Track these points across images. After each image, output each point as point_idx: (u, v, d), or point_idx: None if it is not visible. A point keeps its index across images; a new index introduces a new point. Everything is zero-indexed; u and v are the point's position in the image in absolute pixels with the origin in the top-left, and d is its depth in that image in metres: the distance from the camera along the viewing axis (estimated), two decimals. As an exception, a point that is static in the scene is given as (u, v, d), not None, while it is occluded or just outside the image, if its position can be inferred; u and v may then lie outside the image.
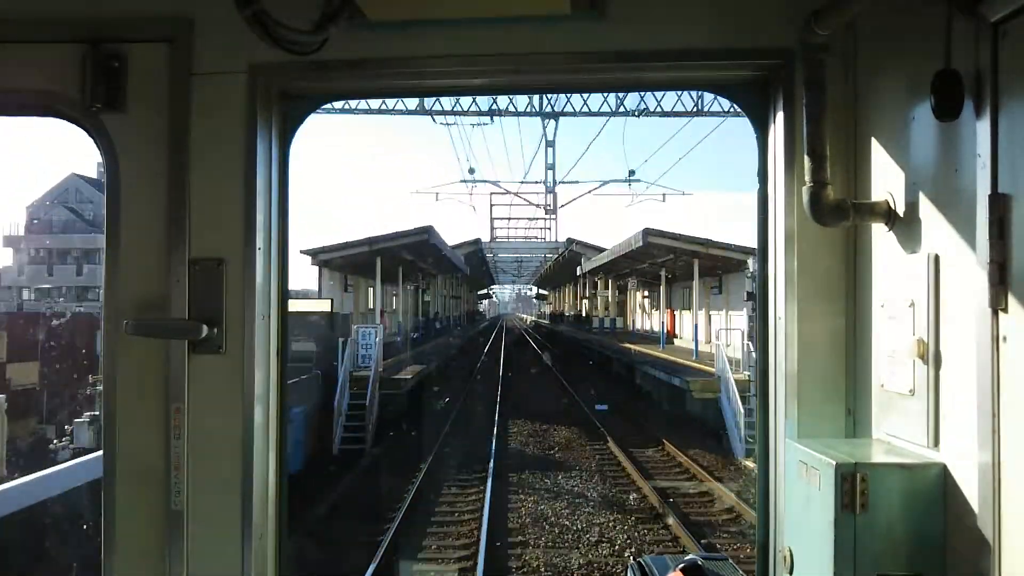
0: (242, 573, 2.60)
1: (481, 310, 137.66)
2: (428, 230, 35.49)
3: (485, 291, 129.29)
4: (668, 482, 17.95)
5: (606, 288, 61.08)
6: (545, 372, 42.12)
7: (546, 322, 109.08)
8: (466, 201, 59.62)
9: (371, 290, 43.79)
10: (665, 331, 42.95)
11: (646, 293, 57.76)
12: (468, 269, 64.41)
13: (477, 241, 63.56)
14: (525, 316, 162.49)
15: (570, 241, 61.90)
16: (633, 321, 61.70)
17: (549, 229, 70.26)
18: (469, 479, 18.06)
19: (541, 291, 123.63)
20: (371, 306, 44.79)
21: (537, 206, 42.86)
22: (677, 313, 47.84)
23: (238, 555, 2.60)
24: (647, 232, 33.74)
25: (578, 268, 60.60)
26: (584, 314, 69.72)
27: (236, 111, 2.64)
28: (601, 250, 53.26)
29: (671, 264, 39.19)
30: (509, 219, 68.75)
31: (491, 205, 68.10)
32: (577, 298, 78.99)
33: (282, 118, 2.79)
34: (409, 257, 38.91)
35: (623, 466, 19.32)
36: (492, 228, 67.59)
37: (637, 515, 15.18)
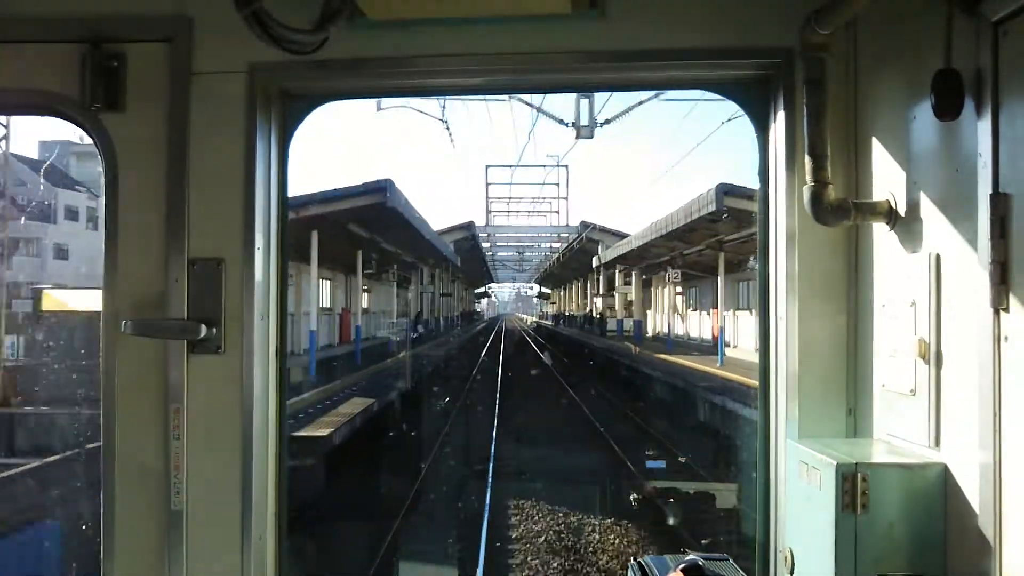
0: (242, 573, 2.60)
1: (479, 310, 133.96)
2: (385, 187, 24.07)
3: (483, 289, 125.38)
4: None
5: (627, 283, 49.35)
6: (559, 396, 28.95)
7: (548, 323, 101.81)
8: (435, 114, 33.22)
9: (324, 282, 33.28)
10: (713, 337, 33.79)
11: (679, 289, 45.88)
12: (458, 259, 52.54)
13: (469, 225, 51.08)
14: (525, 316, 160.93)
15: (585, 225, 50.89)
16: (671, 325, 46.78)
17: (558, 212, 57.49)
18: None
19: (543, 289, 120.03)
20: (326, 304, 35.40)
21: (565, 124, 24.54)
22: (729, 314, 36.07)
23: (238, 555, 2.59)
24: (723, 190, 22.92)
25: (594, 259, 49.85)
26: (597, 315, 57.83)
27: (235, 111, 2.63)
28: (623, 236, 44.38)
29: (737, 246, 28.87)
30: (509, 199, 57.41)
31: (487, 185, 55.04)
32: (587, 296, 66.12)
33: (281, 118, 2.79)
34: (365, 233, 28.27)
35: None
36: (488, 210, 56.01)
37: None
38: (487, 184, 58.79)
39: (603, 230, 49.80)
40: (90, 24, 2.61)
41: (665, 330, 47.51)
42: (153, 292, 2.61)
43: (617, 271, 49.35)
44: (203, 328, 2.56)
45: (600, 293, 57.16)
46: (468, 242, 54.05)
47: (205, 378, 2.60)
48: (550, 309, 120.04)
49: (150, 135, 2.62)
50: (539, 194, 59.70)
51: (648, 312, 53.36)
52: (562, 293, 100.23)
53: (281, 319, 2.79)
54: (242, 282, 2.62)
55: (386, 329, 44.88)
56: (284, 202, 2.82)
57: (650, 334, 50.00)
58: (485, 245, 63.69)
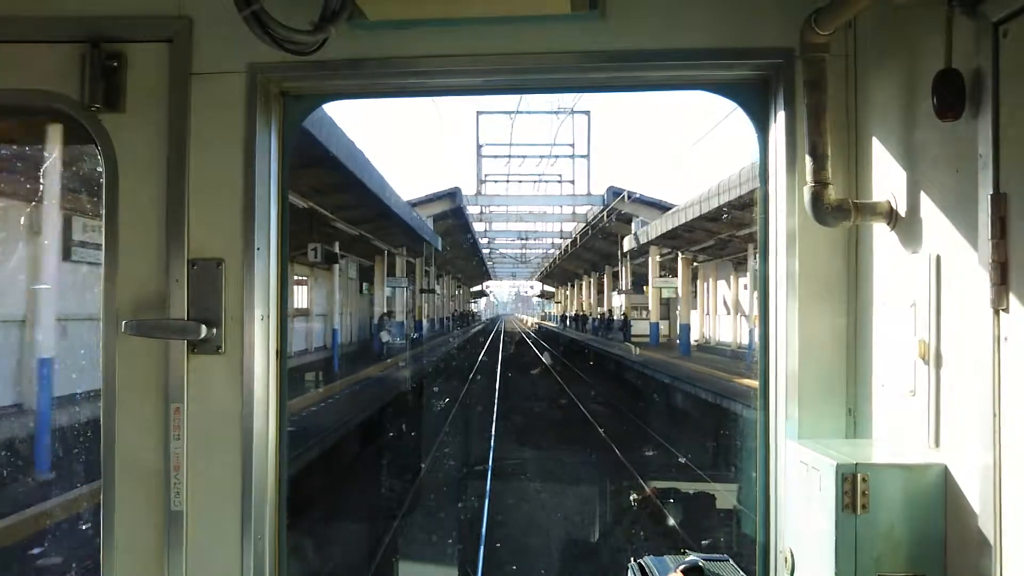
0: (241, 573, 2.60)
1: (476, 311, 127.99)
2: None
3: (480, 288, 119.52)
4: None
5: (666, 274, 37.74)
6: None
7: (552, 325, 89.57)
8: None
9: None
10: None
11: (746, 282, 34.20)
12: (439, 241, 38.36)
13: (453, 194, 37.63)
14: (525, 317, 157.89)
15: (614, 193, 37.44)
16: (750, 334, 31.55)
17: (573, 182, 41.12)
18: None
19: (546, 287, 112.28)
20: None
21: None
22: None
23: (238, 555, 2.59)
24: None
25: (626, 240, 37.92)
26: (621, 316, 44.77)
27: (235, 111, 2.63)
28: (667, 208, 33.84)
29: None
30: (509, 158, 42.44)
31: (479, 146, 40.55)
32: (604, 292, 54.03)
33: (281, 118, 2.79)
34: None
35: None
36: (481, 179, 40.03)
37: None
38: (479, 145, 42.48)
39: (640, 200, 36.64)
40: (90, 24, 2.61)
41: (721, 338, 36.52)
42: (153, 292, 2.61)
43: (653, 258, 37.54)
44: (203, 328, 2.56)
45: (625, 288, 43.98)
46: (453, 218, 41.22)
47: (205, 378, 2.60)
48: (554, 309, 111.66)
49: (150, 135, 2.62)
50: (549, 152, 43.12)
51: (704, 312, 40.56)
52: (568, 291, 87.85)
53: (281, 319, 2.79)
54: (242, 282, 2.62)
55: (341, 336, 31.83)
56: (284, 202, 2.82)
57: (694, 341, 36.73)
58: (479, 228, 49.18)
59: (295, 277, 29.39)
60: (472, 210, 43.23)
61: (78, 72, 2.59)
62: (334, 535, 11.91)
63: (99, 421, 2.62)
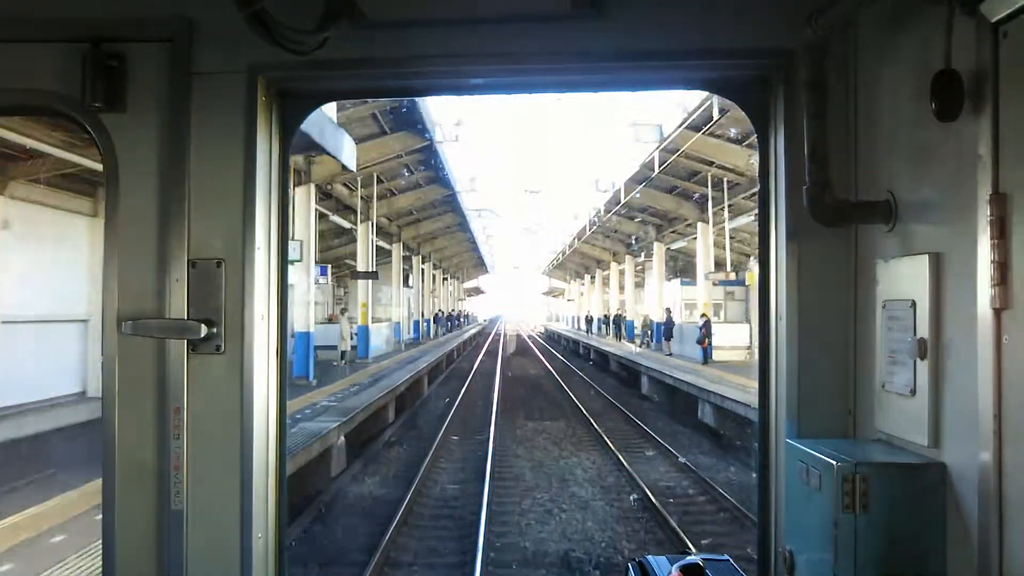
0: (241, 573, 2.60)
1: (470, 312, 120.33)
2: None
3: (475, 284, 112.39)
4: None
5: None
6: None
7: (566, 330, 69.43)
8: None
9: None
10: None
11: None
12: (345, 147, 14.85)
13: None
14: (528, 318, 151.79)
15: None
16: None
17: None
18: None
19: (554, 283, 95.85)
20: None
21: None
22: None
23: (238, 555, 2.59)
24: None
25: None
26: (701, 318, 29.12)
27: (236, 111, 2.64)
28: None
29: None
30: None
31: None
32: (657, 280, 38.17)
33: (282, 118, 2.80)
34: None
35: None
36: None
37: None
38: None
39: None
40: (90, 24, 2.61)
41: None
42: (153, 292, 2.61)
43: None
44: (203, 328, 2.56)
45: (713, 272, 29.43)
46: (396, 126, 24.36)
47: (205, 378, 2.60)
48: (564, 310, 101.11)
49: (150, 135, 2.62)
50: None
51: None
52: (584, 286, 70.15)
53: (281, 319, 2.79)
54: (242, 282, 2.62)
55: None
56: (284, 202, 2.82)
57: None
58: (462, 176, 32.50)
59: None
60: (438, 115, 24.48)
61: (78, 72, 2.59)
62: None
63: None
